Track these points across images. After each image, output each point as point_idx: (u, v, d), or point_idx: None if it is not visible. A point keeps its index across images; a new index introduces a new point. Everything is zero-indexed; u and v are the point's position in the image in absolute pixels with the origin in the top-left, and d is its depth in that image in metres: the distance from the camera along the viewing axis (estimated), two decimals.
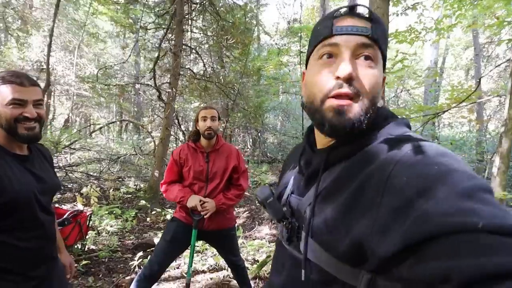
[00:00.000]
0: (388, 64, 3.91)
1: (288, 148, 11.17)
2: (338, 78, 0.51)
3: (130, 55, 5.78)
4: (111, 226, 3.84)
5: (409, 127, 0.56)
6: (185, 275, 2.76)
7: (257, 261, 3.13)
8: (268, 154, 11.32)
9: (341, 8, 0.56)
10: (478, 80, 3.83)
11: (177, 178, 2.04)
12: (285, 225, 0.61)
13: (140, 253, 3.01)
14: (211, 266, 3.00)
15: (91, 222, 3.62)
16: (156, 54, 5.29)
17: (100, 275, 2.81)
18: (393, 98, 9.21)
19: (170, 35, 5.24)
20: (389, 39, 3.18)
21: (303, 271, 0.55)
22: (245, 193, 2.09)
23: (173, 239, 1.94)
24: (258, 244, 3.59)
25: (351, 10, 0.55)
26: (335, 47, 0.54)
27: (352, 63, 0.52)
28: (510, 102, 3.02)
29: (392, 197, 0.41)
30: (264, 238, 4.08)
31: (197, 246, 3.36)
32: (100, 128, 7.59)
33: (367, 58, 0.53)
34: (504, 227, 0.33)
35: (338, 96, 0.51)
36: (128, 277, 2.75)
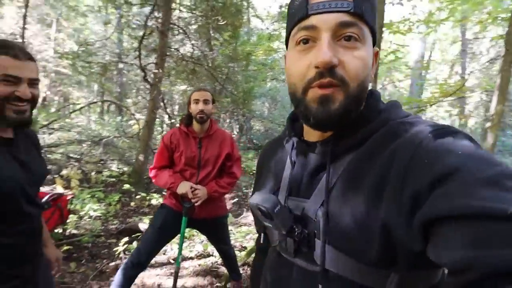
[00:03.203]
0: (381, 54, 3.90)
1: (276, 136, 11.11)
2: (317, 67, 0.45)
3: (113, 32, 5.43)
4: (94, 211, 3.72)
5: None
6: (172, 262, 2.74)
7: (245, 247, 3.13)
8: (254, 141, 11.25)
9: None
10: (465, 75, 3.91)
11: (168, 163, 1.95)
12: (295, 236, 0.51)
13: (125, 239, 2.94)
14: (198, 252, 2.97)
15: (72, 206, 3.50)
16: (142, 32, 5.02)
17: (83, 261, 2.72)
18: (380, 90, 9.34)
19: (156, 12, 4.97)
20: (383, 29, 3.14)
21: (320, 286, 0.48)
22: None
23: (162, 227, 1.88)
24: (246, 231, 3.60)
25: None
26: (312, 30, 0.47)
27: (332, 48, 0.45)
28: (498, 98, 3.10)
29: (415, 181, 0.39)
30: (251, 224, 4.09)
31: (185, 232, 3.32)
32: (81, 108, 7.23)
33: (350, 38, 0.46)
34: None
35: (320, 85, 0.46)
36: (113, 263, 2.68)
